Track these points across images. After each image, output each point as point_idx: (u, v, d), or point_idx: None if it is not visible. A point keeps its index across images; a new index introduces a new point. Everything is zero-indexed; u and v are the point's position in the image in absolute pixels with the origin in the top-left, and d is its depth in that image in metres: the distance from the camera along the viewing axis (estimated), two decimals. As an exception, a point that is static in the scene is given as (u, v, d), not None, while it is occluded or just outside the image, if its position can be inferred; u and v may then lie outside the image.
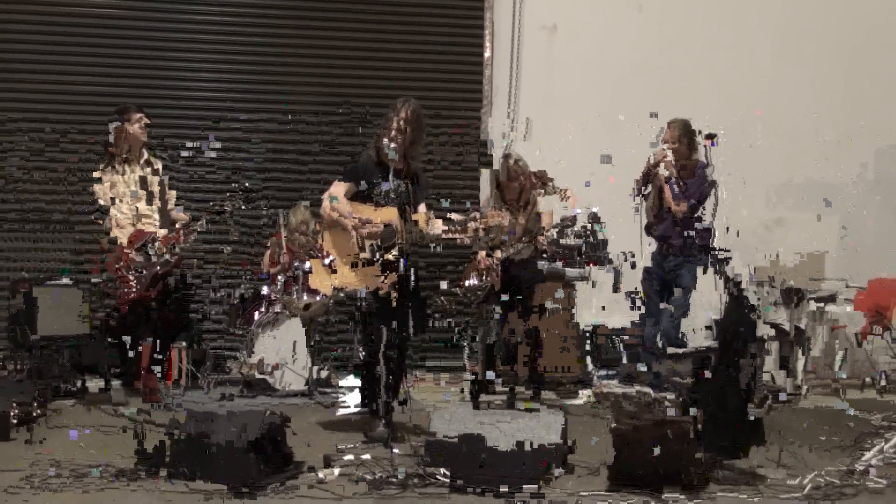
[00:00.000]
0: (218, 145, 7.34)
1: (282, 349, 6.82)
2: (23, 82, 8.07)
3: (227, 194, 6.56)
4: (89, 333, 6.93)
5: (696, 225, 6.14)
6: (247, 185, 6.69)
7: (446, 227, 5.41)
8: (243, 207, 6.51)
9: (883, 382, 7.45)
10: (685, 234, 6.15)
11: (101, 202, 6.28)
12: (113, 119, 6.36)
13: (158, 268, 6.16)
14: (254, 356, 6.81)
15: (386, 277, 5.26)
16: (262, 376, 6.79)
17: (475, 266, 6.61)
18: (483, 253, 6.54)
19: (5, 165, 7.97)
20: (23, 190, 7.99)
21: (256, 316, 7.04)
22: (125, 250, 6.17)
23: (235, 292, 7.26)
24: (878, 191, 9.00)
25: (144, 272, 6.10)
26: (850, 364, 8.27)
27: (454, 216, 5.47)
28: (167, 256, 6.21)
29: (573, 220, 6.31)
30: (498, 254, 6.42)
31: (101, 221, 6.28)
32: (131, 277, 6.04)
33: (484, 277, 6.48)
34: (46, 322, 6.70)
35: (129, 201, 6.23)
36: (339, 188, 5.50)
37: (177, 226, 6.43)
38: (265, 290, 7.19)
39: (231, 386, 6.95)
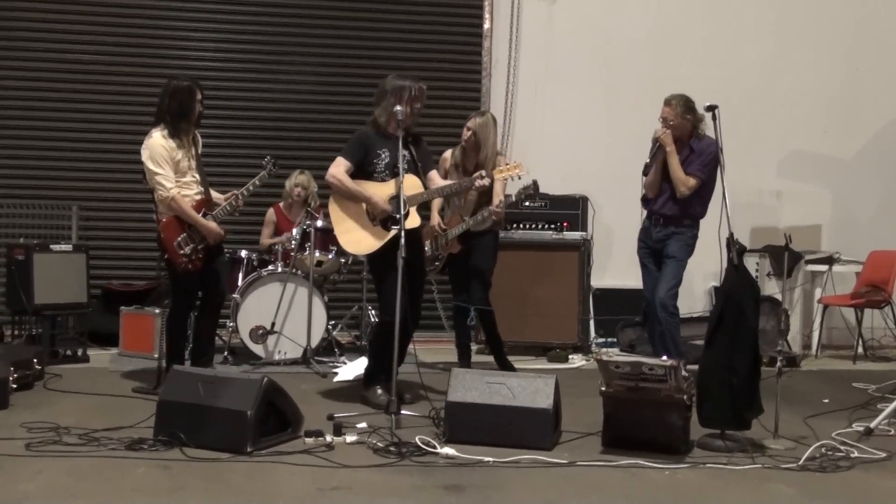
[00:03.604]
0: None
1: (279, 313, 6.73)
2: (23, 50, 8.00)
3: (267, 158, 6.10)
4: (86, 302, 6.90)
5: (695, 200, 6.13)
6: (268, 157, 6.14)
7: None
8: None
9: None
10: (681, 209, 6.14)
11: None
12: (178, 87, 5.71)
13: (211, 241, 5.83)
14: (245, 322, 6.72)
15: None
16: (257, 345, 6.73)
17: (430, 233, 6.42)
18: (436, 221, 6.44)
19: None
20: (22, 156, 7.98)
21: (240, 282, 6.93)
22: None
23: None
24: (876, 165, 8.97)
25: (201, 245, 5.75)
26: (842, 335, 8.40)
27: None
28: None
29: (535, 186, 6.15)
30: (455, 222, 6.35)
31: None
32: (188, 249, 5.72)
33: (440, 245, 6.41)
34: (46, 288, 6.61)
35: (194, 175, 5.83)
36: (340, 167, 5.45)
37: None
38: (244, 253, 7.10)
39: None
